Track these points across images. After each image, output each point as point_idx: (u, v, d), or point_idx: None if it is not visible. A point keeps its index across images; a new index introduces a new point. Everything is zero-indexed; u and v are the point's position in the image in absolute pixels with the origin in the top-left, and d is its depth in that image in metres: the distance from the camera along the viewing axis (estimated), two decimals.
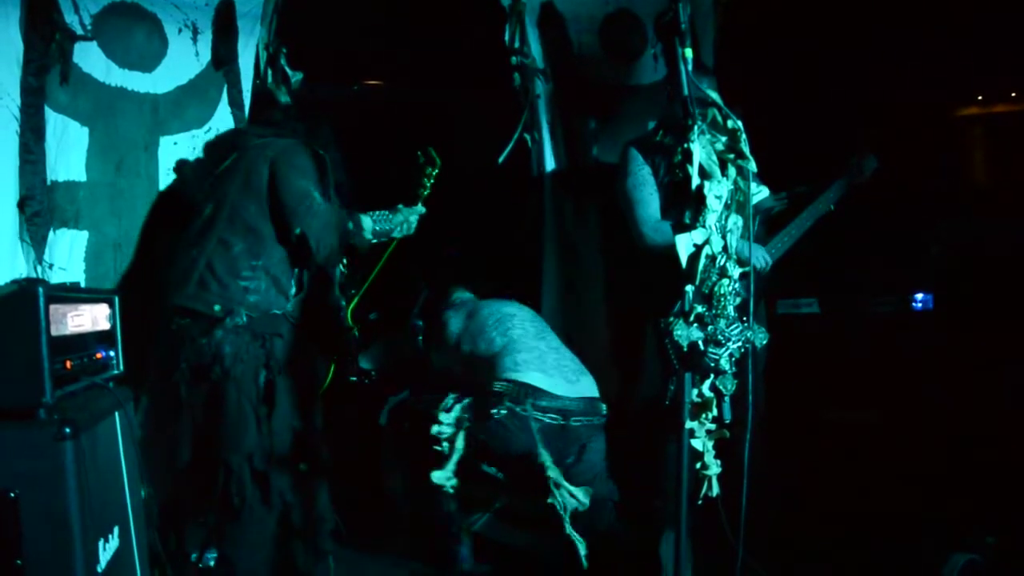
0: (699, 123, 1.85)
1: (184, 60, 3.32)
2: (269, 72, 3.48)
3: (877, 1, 3.93)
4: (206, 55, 3.38)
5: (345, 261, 3.22)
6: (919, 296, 3.88)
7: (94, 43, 3.13)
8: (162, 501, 2.83)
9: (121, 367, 2.50)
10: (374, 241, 2.98)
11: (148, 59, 3.24)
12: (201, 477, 2.85)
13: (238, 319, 2.79)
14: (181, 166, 3.28)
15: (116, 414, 2.38)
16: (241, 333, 2.80)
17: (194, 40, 3.34)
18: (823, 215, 3.29)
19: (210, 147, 3.23)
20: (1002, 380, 3.50)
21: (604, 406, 3.03)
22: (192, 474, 2.87)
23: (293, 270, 2.93)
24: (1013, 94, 4.64)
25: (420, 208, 2.98)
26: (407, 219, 2.96)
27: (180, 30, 3.31)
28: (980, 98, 4.71)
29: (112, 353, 2.47)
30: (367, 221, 2.89)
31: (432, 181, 2.98)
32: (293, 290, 2.93)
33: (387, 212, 2.94)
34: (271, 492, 2.81)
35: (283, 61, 3.48)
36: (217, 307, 2.80)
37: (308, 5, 3.63)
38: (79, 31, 3.09)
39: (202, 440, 2.86)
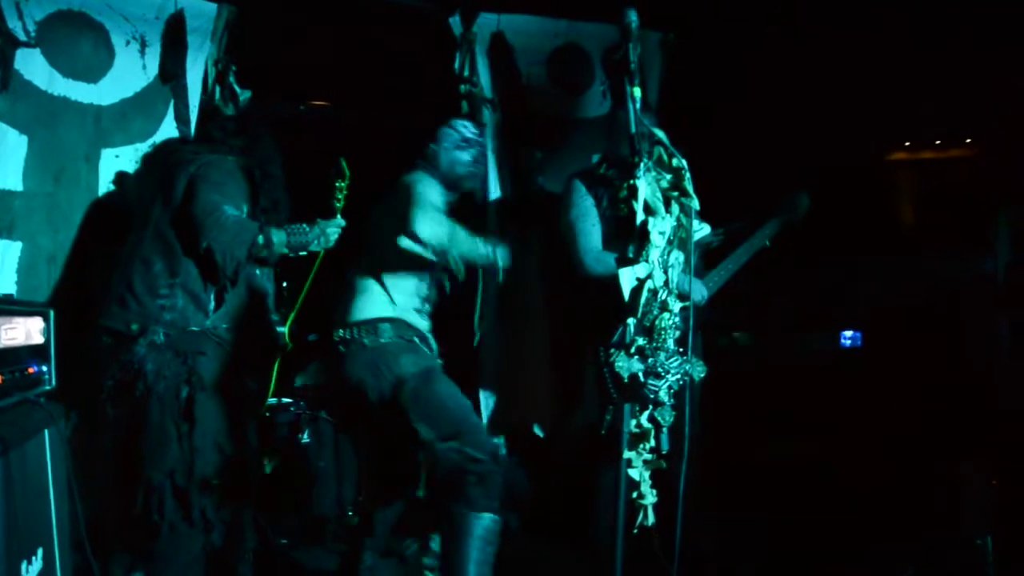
0: (645, 160, 1.91)
1: (131, 72, 3.29)
2: (217, 88, 3.47)
3: (815, 50, 4.09)
4: (154, 68, 3.35)
5: (284, 284, 3.21)
6: (848, 333, 4.02)
7: (37, 50, 3.08)
8: (88, 522, 2.76)
9: (54, 382, 2.45)
10: (290, 254, 2.96)
11: (94, 69, 3.20)
12: (124, 496, 2.80)
13: (154, 337, 2.78)
14: (122, 179, 3.24)
15: (45, 431, 2.33)
16: (163, 351, 2.79)
17: (142, 53, 3.31)
18: (758, 251, 3.40)
19: (147, 161, 3.19)
20: (924, 416, 3.65)
21: None
22: (115, 493, 2.83)
23: (223, 289, 2.92)
24: (938, 142, 4.87)
25: (339, 221, 2.97)
26: (324, 232, 2.94)
27: (128, 42, 3.27)
28: (907, 144, 4.93)
29: (45, 368, 2.41)
30: (280, 235, 2.87)
31: (344, 193, 2.99)
32: (212, 305, 2.90)
33: (304, 225, 2.95)
34: (192, 509, 2.78)
35: (232, 78, 3.47)
36: (134, 326, 2.79)
37: (258, 24, 3.63)
38: (22, 37, 3.04)
39: (125, 458, 2.82)
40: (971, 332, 3.87)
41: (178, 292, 2.84)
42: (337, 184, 2.97)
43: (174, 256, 2.84)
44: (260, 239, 2.82)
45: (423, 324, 2.96)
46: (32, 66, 3.07)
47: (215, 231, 2.75)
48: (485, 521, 2.56)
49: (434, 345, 3.00)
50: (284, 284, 3.49)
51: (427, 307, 3.00)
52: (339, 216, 2.98)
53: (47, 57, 3.10)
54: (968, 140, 4.74)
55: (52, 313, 2.48)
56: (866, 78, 4.10)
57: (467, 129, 3.10)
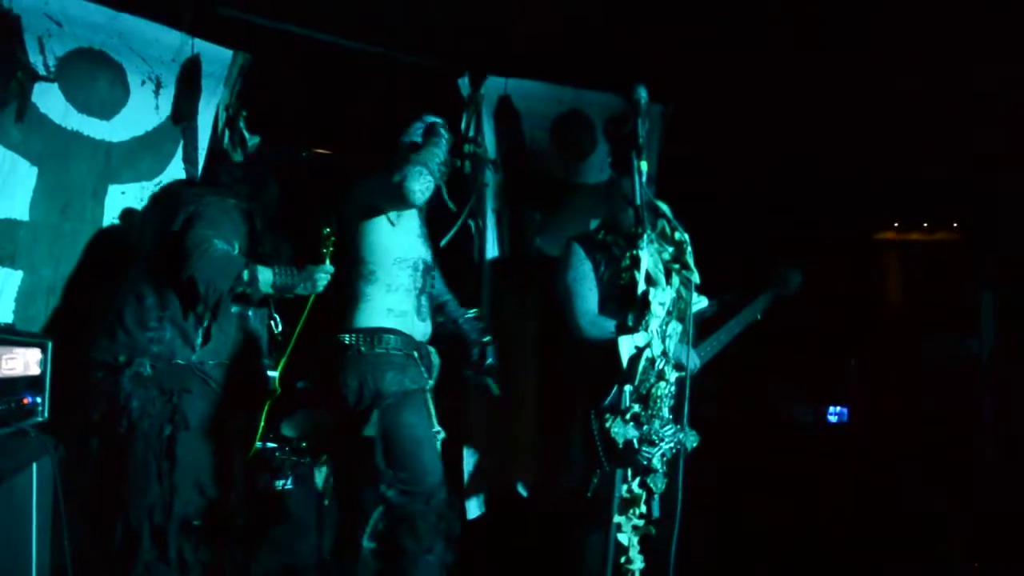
0: (649, 232, 1.97)
1: (143, 112, 3.33)
2: (227, 132, 3.52)
3: (806, 131, 4.21)
4: (166, 109, 3.40)
5: (280, 326, 3.23)
6: (834, 409, 4.06)
7: (55, 85, 3.12)
8: (73, 555, 2.74)
9: (46, 414, 2.45)
10: (275, 295, 3.01)
11: (108, 107, 3.24)
12: (103, 533, 2.80)
13: (140, 368, 2.82)
14: (128, 216, 3.28)
15: (34, 464, 2.32)
16: (149, 387, 2.82)
17: (156, 93, 3.36)
18: (750, 323, 3.46)
19: (152, 200, 3.26)
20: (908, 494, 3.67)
21: None
22: (95, 529, 2.81)
23: (203, 321, 2.95)
24: (925, 224, 4.98)
25: (328, 267, 2.99)
26: (312, 277, 2.97)
27: (143, 82, 3.33)
28: (896, 225, 5.04)
29: (39, 399, 2.43)
30: (266, 274, 2.92)
31: (333, 239, 3.00)
32: (199, 340, 2.94)
33: (292, 268, 2.99)
34: (169, 549, 2.76)
35: (242, 124, 3.53)
36: (121, 357, 2.84)
37: (271, 71, 3.70)
38: (41, 72, 3.07)
39: (107, 494, 2.82)
40: (955, 412, 3.92)
41: (167, 325, 2.89)
42: (324, 231, 3.00)
43: (165, 290, 2.89)
44: (245, 274, 2.87)
45: (421, 330, 2.98)
46: (49, 100, 3.10)
47: (201, 262, 2.80)
48: (424, 561, 2.63)
49: (434, 359, 3.05)
50: (279, 329, 3.50)
51: (424, 304, 3.01)
52: (328, 263, 3.01)
53: (64, 92, 3.14)
54: (955, 224, 4.86)
55: (50, 345, 2.50)
56: (857, 160, 4.22)
57: (444, 128, 3.07)
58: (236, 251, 2.95)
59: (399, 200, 2.78)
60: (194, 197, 3.02)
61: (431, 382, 2.99)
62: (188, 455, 2.83)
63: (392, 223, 2.94)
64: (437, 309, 3.20)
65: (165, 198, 3.19)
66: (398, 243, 2.95)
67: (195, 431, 2.86)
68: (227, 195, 3.07)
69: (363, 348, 2.83)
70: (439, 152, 2.88)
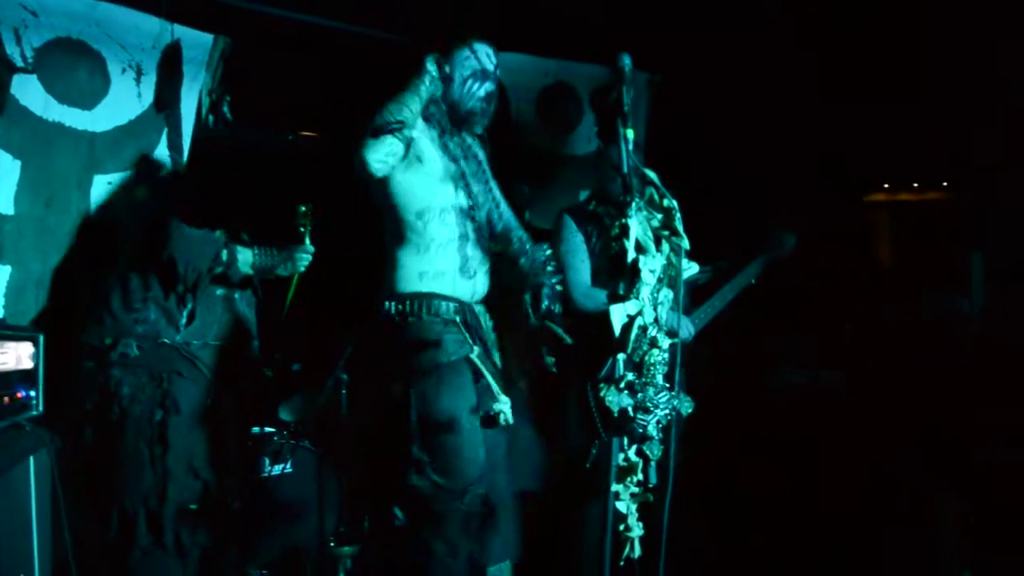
0: (637, 200, 1.96)
1: (126, 100, 3.31)
2: (211, 118, 3.50)
3: (799, 92, 4.19)
4: (148, 97, 3.37)
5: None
6: (827, 372, 4.08)
7: (34, 76, 3.10)
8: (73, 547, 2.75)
9: (41, 408, 2.45)
10: (255, 275, 3.05)
11: (88, 96, 3.22)
12: (101, 521, 2.83)
13: (127, 350, 2.86)
14: (113, 202, 3.26)
15: (31, 457, 2.33)
16: (139, 372, 2.86)
17: (137, 81, 3.34)
18: (744, 288, 3.46)
19: (143, 189, 3.26)
20: (901, 454, 3.69)
21: None
22: (93, 518, 2.83)
23: (185, 302, 2.97)
24: (915, 184, 4.98)
25: (309, 247, 3.03)
26: (292, 257, 3.02)
27: (124, 70, 3.30)
28: (886, 186, 5.03)
29: (33, 393, 2.43)
30: (245, 254, 2.98)
31: (309, 218, 3.02)
32: (184, 320, 2.96)
33: (273, 248, 3.00)
34: (165, 535, 2.80)
35: (225, 108, 3.51)
36: (108, 339, 2.88)
37: (252, 55, 3.67)
38: (19, 63, 3.05)
39: (103, 483, 2.85)
40: (947, 372, 3.93)
41: (151, 306, 2.93)
42: (300, 209, 3.01)
43: (149, 272, 2.93)
44: (224, 254, 2.90)
45: (467, 289, 2.61)
46: (28, 92, 3.08)
47: (180, 241, 2.85)
48: (445, 564, 2.41)
49: (484, 321, 2.68)
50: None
51: (473, 257, 2.62)
52: (308, 242, 3.02)
53: (43, 83, 3.12)
54: (944, 184, 4.85)
55: (42, 338, 2.49)
56: (847, 121, 4.20)
57: (489, 59, 2.71)
58: (217, 233, 2.95)
59: (361, 174, 2.43)
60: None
61: (476, 349, 2.57)
62: (180, 440, 2.87)
63: (401, 172, 2.54)
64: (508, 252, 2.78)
65: (155, 186, 3.20)
66: (415, 194, 2.55)
67: (186, 415, 2.89)
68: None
69: (397, 319, 2.51)
70: (413, 98, 2.51)
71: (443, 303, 2.54)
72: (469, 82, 2.66)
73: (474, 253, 2.63)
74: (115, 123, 3.30)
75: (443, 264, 2.56)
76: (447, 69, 2.65)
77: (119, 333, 2.89)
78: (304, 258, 3.03)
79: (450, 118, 2.69)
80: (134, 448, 2.82)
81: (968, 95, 3.97)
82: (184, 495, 2.85)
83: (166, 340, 2.92)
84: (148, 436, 2.83)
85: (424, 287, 2.54)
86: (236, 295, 3.13)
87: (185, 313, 2.96)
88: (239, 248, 2.95)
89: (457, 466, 2.44)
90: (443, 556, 2.41)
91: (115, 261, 3.04)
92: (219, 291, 3.05)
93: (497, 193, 2.83)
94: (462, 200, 2.64)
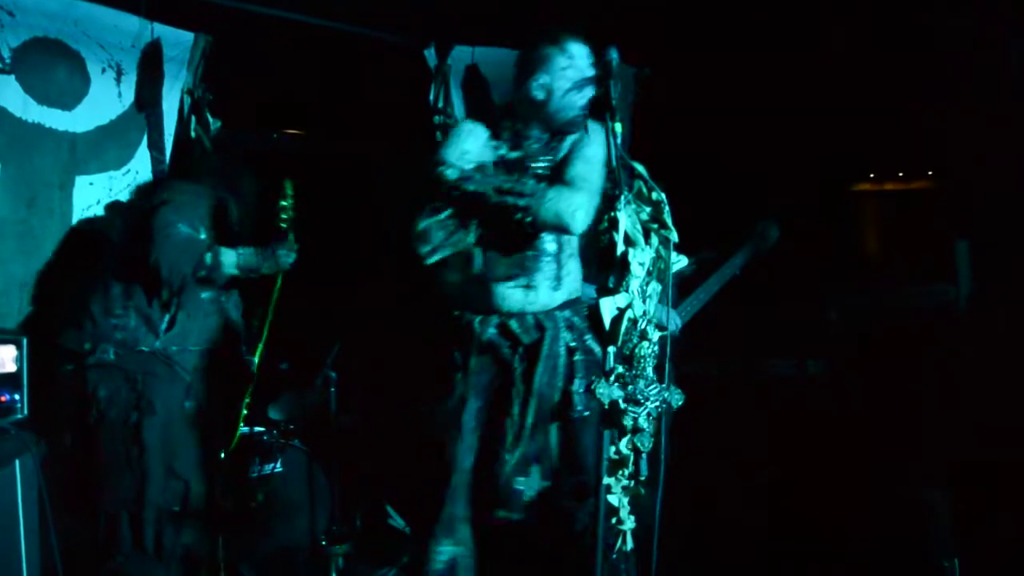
0: (626, 193, 1.95)
1: (106, 100, 3.29)
2: (192, 118, 3.47)
3: (784, 84, 4.20)
4: (129, 97, 3.35)
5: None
6: (813, 362, 4.09)
7: (11, 77, 3.07)
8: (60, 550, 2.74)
9: (25, 411, 2.44)
10: (240, 275, 3.02)
11: (69, 97, 3.19)
12: (85, 525, 2.83)
13: (104, 355, 2.85)
14: (98, 206, 3.24)
15: (16, 461, 2.31)
16: (114, 375, 2.85)
17: (118, 81, 3.31)
18: (729, 280, 3.46)
19: (126, 191, 3.26)
20: (890, 442, 3.71)
21: None
22: (76, 522, 2.82)
23: (169, 308, 2.96)
24: (900, 173, 5.00)
25: (292, 244, 3.02)
26: (275, 255, 3.00)
27: (104, 70, 3.27)
28: (872, 176, 5.05)
29: (17, 396, 2.42)
30: (229, 255, 2.95)
31: (288, 213, 3.00)
32: (164, 326, 2.94)
33: (257, 248, 2.99)
34: (145, 536, 2.79)
35: (206, 108, 3.48)
36: (87, 345, 2.87)
37: (234, 53, 3.64)
38: None
39: (84, 487, 2.85)
40: (934, 360, 3.95)
41: (131, 313, 2.91)
42: (281, 204, 2.99)
43: (132, 279, 2.91)
44: (208, 257, 2.87)
45: (515, 299, 2.54)
46: (6, 93, 3.05)
47: (165, 246, 2.83)
48: None
49: (528, 319, 2.54)
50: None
51: (523, 271, 2.54)
52: (291, 238, 3.00)
53: (22, 84, 3.09)
54: (930, 173, 4.87)
55: (25, 341, 2.47)
56: (833, 110, 4.21)
57: (587, 62, 2.52)
58: (202, 235, 2.94)
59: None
60: (165, 186, 3.05)
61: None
62: (155, 440, 2.85)
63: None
64: None
65: (138, 189, 3.19)
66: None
67: (162, 416, 2.88)
68: (198, 183, 3.06)
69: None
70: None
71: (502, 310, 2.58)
72: (571, 94, 2.50)
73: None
74: (96, 123, 3.27)
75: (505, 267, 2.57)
76: (546, 80, 2.52)
77: (98, 338, 2.87)
78: (288, 255, 3.00)
79: (544, 125, 2.56)
80: (111, 450, 2.83)
81: (952, 83, 3.99)
82: (164, 496, 2.84)
83: (144, 348, 2.89)
84: (124, 438, 2.82)
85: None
86: (223, 298, 3.10)
87: (167, 319, 2.94)
88: (223, 250, 2.93)
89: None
90: None
91: (98, 265, 3.01)
92: (204, 294, 3.02)
93: None
94: None
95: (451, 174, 2.44)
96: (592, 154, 2.48)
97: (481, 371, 2.56)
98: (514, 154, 2.57)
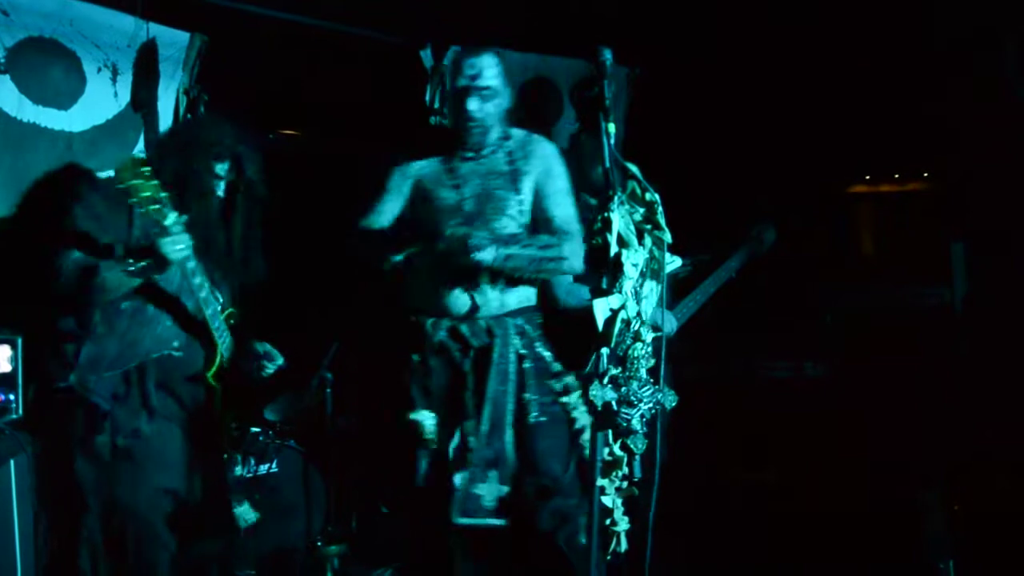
0: (619, 194, 1.95)
1: (102, 100, 3.28)
2: (188, 117, 3.47)
3: (779, 86, 4.20)
4: (125, 96, 3.34)
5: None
6: (810, 364, 4.10)
7: (7, 76, 3.06)
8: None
9: (20, 411, 2.43)
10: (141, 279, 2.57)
11: (65, 96, 3.19)
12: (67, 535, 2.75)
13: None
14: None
15: (11, 461, 2.30)
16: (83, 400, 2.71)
17: (113, 80, 3.31)
18: (725, 282, 3.46)
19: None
20: (886, 444, 3.71)
21: None
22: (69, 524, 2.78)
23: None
24: (896, 175, 5.01)
25: (175, 228, 2.39)
26: (158, 250, 2.40)
27: (100, 69, 3.27)
28: (867, 178, 5.06)
29: (12, 396, 2.40)
30: (111, 269, 2.51)
31: (152, 191, 2.30)
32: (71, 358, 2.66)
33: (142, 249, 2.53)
34: (127, 541, 2.72)
35: (202, 108, 3.48)
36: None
37: (230, 53, 3.64)
38: None
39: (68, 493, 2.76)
40: (930, 362, 3.96)
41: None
42: (132, 184, 2.30)
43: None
44: (96, 281, 2.49)
45: (463, 302, 2.61)
46: (1, 92, 3.05)
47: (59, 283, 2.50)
48: None
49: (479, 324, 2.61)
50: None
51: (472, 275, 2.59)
52: (171, 220, 2.37)
53: (17, 83, 3.08)
54: (925, 174, 4.88)
55: (20, 341, 2.46)
56: (829, 113, 4.22)
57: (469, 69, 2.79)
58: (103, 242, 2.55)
59: None
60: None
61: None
62: (139, 450, 2.58)
63: None
64: None
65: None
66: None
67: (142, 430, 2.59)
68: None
69: None
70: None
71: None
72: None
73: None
74: (92, 123, 3.27)
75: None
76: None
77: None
78: (170, 243, 2.38)
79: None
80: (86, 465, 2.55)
81: (948, 85, 4.00)
82: (139, 504, 2.61)
83: (60, 384, 2.49)
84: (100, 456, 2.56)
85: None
86: (149, 307, 2.66)
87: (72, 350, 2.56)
88: (102, 264, 2.48)
89: None
90: None
91: None
92: (124, 304, 2.62)
93: None
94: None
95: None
96: (566, 187, 2.81)
97: (437, 373, 2.64)
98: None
